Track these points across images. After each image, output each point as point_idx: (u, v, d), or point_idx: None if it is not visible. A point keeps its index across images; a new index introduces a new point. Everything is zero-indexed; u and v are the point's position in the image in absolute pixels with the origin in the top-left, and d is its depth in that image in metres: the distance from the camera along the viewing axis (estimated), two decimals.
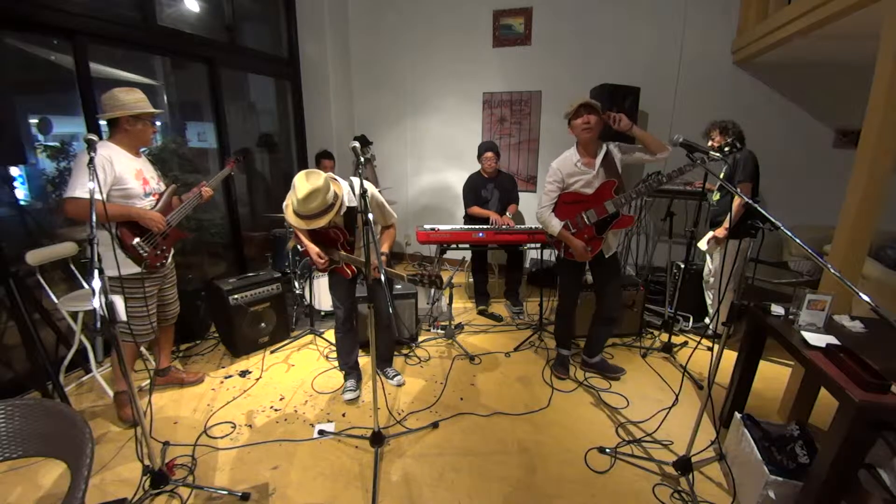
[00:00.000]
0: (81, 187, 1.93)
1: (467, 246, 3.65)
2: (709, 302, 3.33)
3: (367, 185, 1.96)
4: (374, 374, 2.05)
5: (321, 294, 3.55)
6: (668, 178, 2.30)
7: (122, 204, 2.10)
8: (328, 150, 4.23)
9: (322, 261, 2.35)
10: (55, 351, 2.66)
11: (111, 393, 2.53)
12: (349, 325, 2.63)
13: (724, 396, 2.38)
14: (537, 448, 2.21)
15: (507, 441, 2.26)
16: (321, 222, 2.01)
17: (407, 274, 2.05)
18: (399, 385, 2.74)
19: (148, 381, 2.68)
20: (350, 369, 2.70)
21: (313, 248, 2.36)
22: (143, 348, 2.66)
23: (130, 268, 2.14)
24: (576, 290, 2.77)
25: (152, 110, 2.18)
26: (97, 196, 1.97)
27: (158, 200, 2.27)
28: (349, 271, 2.39)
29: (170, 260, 2.42)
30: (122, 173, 2.08)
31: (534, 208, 4.73)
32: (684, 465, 1.95)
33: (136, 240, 2.14)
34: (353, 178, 2.13)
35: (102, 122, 2.23)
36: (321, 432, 2.30)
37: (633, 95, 3.76)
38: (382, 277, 1.66)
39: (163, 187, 2.34)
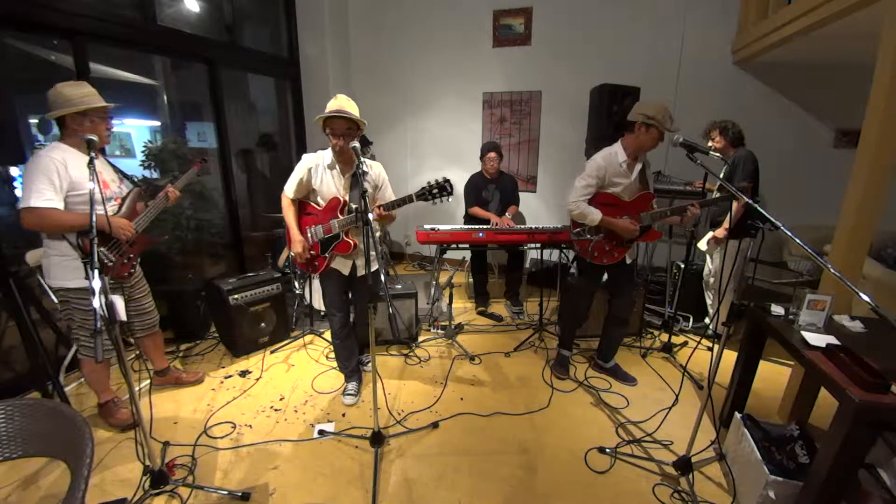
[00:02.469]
0: (38, 195, 1.77)
1: (467, 246, 3.66)
2: (709, 302, 3.33)
3: (374, 163, 2.32)
4: (374, 374, 2.05)
5: (321, 294, 3.54)
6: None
7: (82, 211, 1.88)
8: None
9: (306, 255, 2.31)
10: (55, 351, 2.65)
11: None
12: (346, 332, 2.59)
13: (724, 396, 2.38)
14: (537, 448, 2.21)
15: (507, 441, 2.26)
16: (349, 114, 2.10)
17: (415, 193, 2.24)
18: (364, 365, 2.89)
19: (147, 382, 2.68)
20: (351, 373, 2.69)
21: (298, 238, 2.30)
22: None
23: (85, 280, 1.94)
24: (591, 295, 2.76)
25: (100, 104, 1.94)
26: (58, 205, 1.83)
27: (121, 205, 2.11)
28: (350, 242, 2.31)
29: (136, 268, 2.29)
30: (78, 178, 1.89)
31: (534, 209, 4.82)
32: (684, 465, 1.95)
33: (101, 249, 1.97)
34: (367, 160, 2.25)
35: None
36: (321, 432, 2.30)
37: (632, 95, 3.74)
38: (383, 274, 1.73)
39: (125, 190, 2.17)
